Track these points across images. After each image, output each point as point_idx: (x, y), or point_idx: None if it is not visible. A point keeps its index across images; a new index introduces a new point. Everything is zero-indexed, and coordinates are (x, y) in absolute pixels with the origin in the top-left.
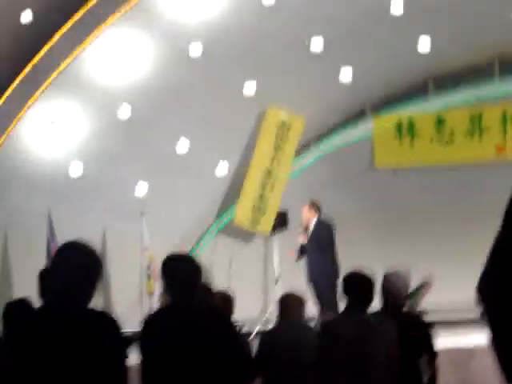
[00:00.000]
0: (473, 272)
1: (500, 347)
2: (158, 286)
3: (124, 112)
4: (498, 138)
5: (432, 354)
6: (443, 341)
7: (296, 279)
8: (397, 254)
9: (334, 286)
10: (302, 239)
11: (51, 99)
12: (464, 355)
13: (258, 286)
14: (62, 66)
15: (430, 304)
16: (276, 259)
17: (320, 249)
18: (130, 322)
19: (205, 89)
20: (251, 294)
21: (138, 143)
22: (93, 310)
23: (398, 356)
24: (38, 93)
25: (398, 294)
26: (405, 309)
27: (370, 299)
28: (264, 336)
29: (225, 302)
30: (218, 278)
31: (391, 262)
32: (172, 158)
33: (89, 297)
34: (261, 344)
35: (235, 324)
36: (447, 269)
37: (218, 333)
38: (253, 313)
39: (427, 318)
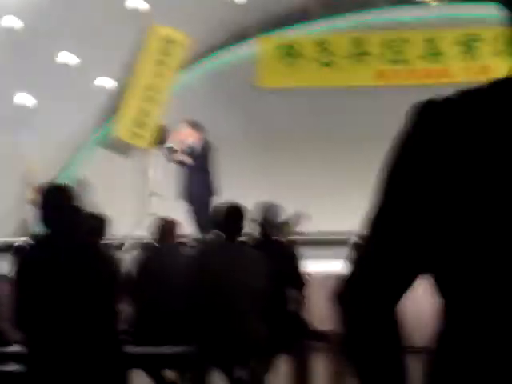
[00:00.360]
0: (350, 197)
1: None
2: (36, 196)
3: (9, 20)
4: (377, 63)
5: (300, 283)
6: (315, 266)
7: (171, 192)
8: (276, 177)
9: (211, 206)
10: (184, 157)
11: None
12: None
13: (135, 199)
14: None
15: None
16: (153, 173)
17: (202, 169)
18: (7, 228)
19: (89, 4)
20: (128, 206)
21: (21, 53)
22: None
23: (265, 286)
24: None
25: (268, 224)
26: (275, 238)
27: (238, 230)
28: (140, 259)
29: (98, 223)
30: (96, 189)
31: (270, 185)
32: (55, 69)
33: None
34: (137, 266)
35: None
36: (325, 193)
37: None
38: (129, 224)
39: (298, 248)
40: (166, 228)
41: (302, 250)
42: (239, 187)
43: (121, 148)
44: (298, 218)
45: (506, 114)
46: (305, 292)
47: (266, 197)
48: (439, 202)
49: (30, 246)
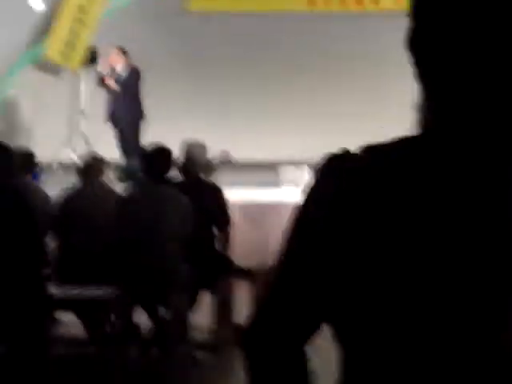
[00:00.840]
0: (276, 120)
1: None
2: None
3: None
4: None
5: (225, 222)
6: (241, 196)
7: (101, 115)
8: (205, 105)
9: (139, 132)
10: (111, 83)
11: None
12: (260, 211)
13: (65, 121)
14: None
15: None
16: (83, 94)
17: (130, 94)
18: None
19: None
20: (58, 126)
21: None
22: None
23: (188, 227)
24: None
25: (193, 164)
26: (199, 177)
27: (162, 172)
28: (64, 198)
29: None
30: (25, 110)
31: (199, 110)
32: None
33: None
34: (60, 205)
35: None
36: (251, 116)
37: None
38: (58, 144)
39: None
40: (93, 166)
41: (228, 177)
42: (168, 112)
43: (51, 68)
44: (222, 158)
45: (407, 173)
46: (229, 230)
47: (194, 123)
48: (342, 252)
49: None
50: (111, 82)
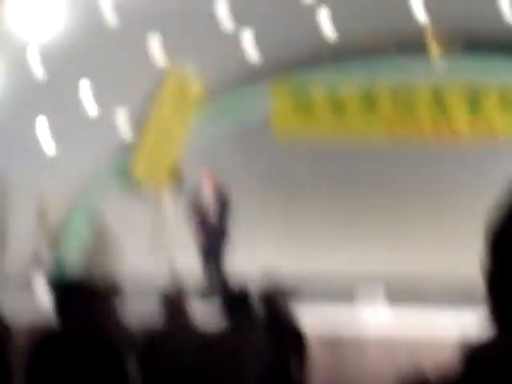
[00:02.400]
0: (360, 246)
1: None
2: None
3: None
4: (388, 121)
5: (304, 354)
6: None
7: (186, 235)
8: (290, 227)
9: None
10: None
11: None
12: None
13: (149, 236)
14: None
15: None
16: (168, 213)
17: (220, 222)
18: (23, 264)
19: (107, 44)
20: (141, 243)
21: (43, 93)
22: None
23: (267, 371)
24: None
25: (276, 308)
26: (278, 313)
27: (245, 317)
28: (147, 338)
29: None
30: (110, 227)
31: (279, 233)
32: (73, 107)
33: None
34: (144, 345)
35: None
36: (338, 241)
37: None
38: (141, 264)
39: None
40: (175, 304)
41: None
42: (257, 239)
43: (136, 185)
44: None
45: None
46: (309, 370)
47: (285, 249)
48: None
49: (43, 337)
50: (199, 232)
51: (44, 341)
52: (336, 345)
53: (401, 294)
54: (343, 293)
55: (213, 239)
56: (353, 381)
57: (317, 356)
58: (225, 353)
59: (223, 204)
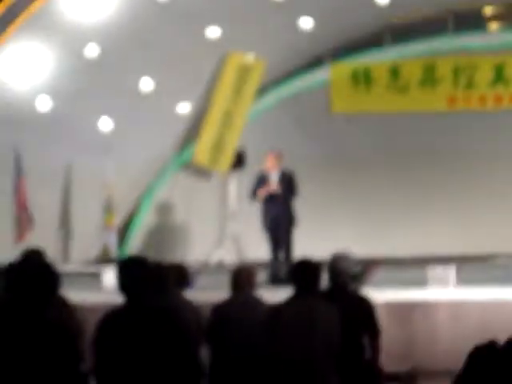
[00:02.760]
0: (422, 218)
1: None
2: (115, 220)
3: (91, 51)
4: (449, 88)
5: (375, 332)
6: (387, 296)
7: (251, 218)
8: (349, 200)
9: (291, 238)
10: (273, 188)
11: (22, 40)
12: (407, 309)
13: (215, 223)
14: (33, 7)
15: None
16: (232, 197)
17: (285, 199)
18: (89, 254)
19: (169, 32)
20: (208, 229)
21: (104, 81)
22: (49, 322)
23: (337, 339)
24: (8, 33)
25: (343, 275)
26: (348, 288)
27: (315, 287)
28: (216, 308)
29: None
30: (176, 214)
31: (343, 209)
32: (135, 95)
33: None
34: (212, 316)
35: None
36: (398, 215)
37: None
38: (210, 247)
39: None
40: (243, 276)
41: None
42: (317, 213)
43: (201, 172)
44: (369, 269)
45: None
46: (379, 340)
47: (341, 224)
48: None
49: (109, 313)
50: (272, 188)
51: (111, 316)
52: (406, 312)
53: (473, 275)
54: (415, 277)
55: (279, 220)
56: (423, 349)
57: (387, 327)
58: (293, 315)
59: (289, 185)
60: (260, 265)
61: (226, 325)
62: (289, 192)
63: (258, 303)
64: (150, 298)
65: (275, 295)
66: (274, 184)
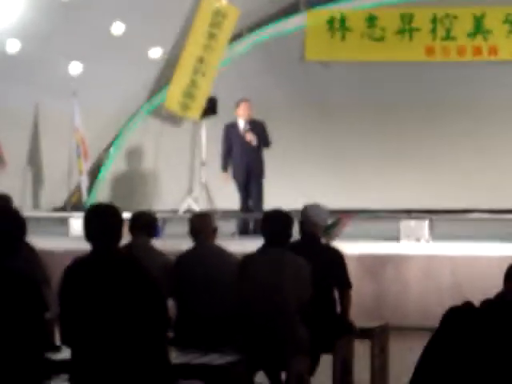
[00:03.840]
0: (396, 172)
1: None
2: (86, 166)
3: None
4: (427, 39)
5: (346, 285)
6: (360, 247)
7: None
8: (323, 150)
9: (262, 184)
10: (251, 137)
11: None
12: (379, 263)
13: (185, 170)
14: None
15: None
16: (204, 144)
17: (259, 148)
18: (57, 198)
19: None
20: (178, 177)
21: (75, 23)
22: (11, 270)
23: (310, 293)
24: None
25: (315, 227)
26: (322, 240)
27: (286, 238)
28: (179, 258)
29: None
30: (146, 160)
31: (316, 159)
32: (106, 40)
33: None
34: (176, 266)
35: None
36: (372, 168)
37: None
38: (179, 194)
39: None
40: (203, 224)
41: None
42: (289, 163)
43: (172, 118)
44: (341, 221)
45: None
46: (350, 293)
47: (314, 172)
48: None
49: (75, 261)
50: (250, 136)
51: (75, 265)
52: (378, 266)
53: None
54: (387, 231)
55: (250, 170)
56: (394, 304)
57: (358, 280)
58: (262, 266)
59: (262, 135)
60: (229, 214)
61: (189, 276)
62: (261, 142)
63: (221, 253)
64: (116, 246)
65: (245, 246)
66: (244, 133)
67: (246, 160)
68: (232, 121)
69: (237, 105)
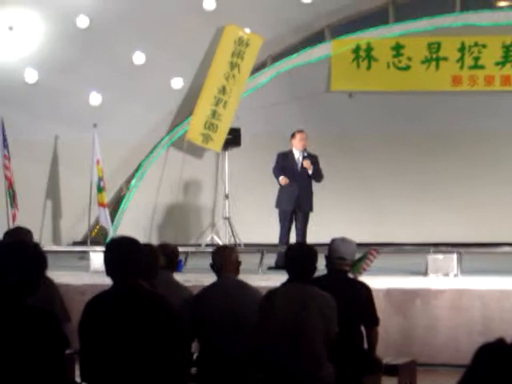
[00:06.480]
0: (423, 205)
1: None
2: (108, 199)
3: (82, 21)
4: (454, 67)
5: (373, 320)
6: (387, 282)
7: (245, 197)
8: (348, 182)
9: (308, 219)
10: (308, 164)
11: (10, 5)
12: (407, 297)
13: (208, 202)
14: None
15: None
16: (227, 176)
17: (309, 179)
18: (77, 232)
19: (164, 4)
20: (201, 209)
21: (95, 53)
22: (32, 307)
23: (336, 329)
24: None
25: (342, 261)
26: (349, 275)
27: (310, 272)
28: (201, 292)
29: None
30: (167, 192)
31: (342, 188)
32: (128, 69)
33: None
34: (195, 304)
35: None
36: (399, 200)
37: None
38: (202, 227)
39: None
40: (225, 258)
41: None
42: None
43: (193, 150)
44: (368, 257)
45: None
46: (377, 329)
47: (340, 204)
48: None
49: (96, 296)
50: (307, 164)
51: (96, 299)
52: (406, 301)
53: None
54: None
55: (300, 200)
56: (422, 340)
57: (386, 316)
58: (286, 301)
59: (313, 165)
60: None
61: (211, 311)
62: (314, 174)
63: (244, 287)
64: (137, 280)
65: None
66: (301, 160)
67: (297, 190)
68: (286, 150)
69: (292, 135)
